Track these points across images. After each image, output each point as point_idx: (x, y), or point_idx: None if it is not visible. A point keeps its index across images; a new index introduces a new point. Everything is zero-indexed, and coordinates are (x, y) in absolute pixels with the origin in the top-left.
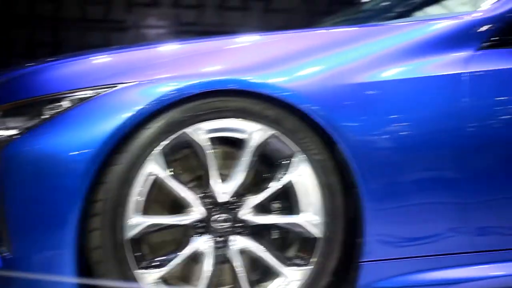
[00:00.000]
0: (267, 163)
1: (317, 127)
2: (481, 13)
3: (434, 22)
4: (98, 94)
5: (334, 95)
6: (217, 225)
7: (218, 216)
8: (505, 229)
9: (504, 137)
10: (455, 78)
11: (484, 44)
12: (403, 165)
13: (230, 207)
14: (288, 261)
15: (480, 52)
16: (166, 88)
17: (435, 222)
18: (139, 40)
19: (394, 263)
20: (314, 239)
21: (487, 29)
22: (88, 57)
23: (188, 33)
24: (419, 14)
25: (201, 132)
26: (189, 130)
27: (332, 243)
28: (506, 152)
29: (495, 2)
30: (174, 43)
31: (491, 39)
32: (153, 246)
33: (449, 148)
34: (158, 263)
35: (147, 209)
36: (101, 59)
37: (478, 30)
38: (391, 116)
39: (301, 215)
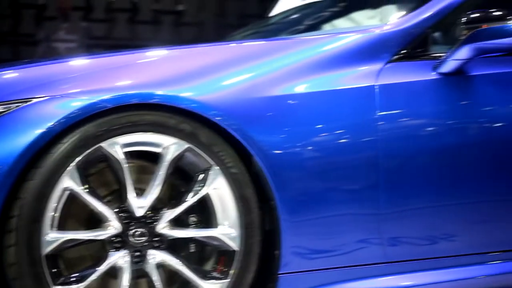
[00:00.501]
0: (184, 176)
1: (233, 140)
2: (391, 27)
3: (346, 35)
4: (9, 109)
5: (249, 108)
6: (134, 240)
7: (134, 230)
8: (416, 240)
9: (414, 149)
10: (367, 90)
11: (394, 57)
12: (318, 177)
13: (146, 221)
14: (206, 275)
15: (390, 65)
16: (79, 103)
17: (349, 234)
18: (49, 54)
19: (310, 275)
20: (232, 252)
21: (396, 42)
22: None
23: (98, 47)
24: (327, 28)
25: (117, 146)
26: (104, 144)
27: (249, 255)
28: (416, 163)
29: (403, 16)
30: (86, 57)
31: (401, 52)
32: (70, 262)
33: (362, 160)
34: (75, 279)
35: (64, 224)
36: (12, 74)
37: (388, 43)
38: (306, 129)
39: (218, 228)
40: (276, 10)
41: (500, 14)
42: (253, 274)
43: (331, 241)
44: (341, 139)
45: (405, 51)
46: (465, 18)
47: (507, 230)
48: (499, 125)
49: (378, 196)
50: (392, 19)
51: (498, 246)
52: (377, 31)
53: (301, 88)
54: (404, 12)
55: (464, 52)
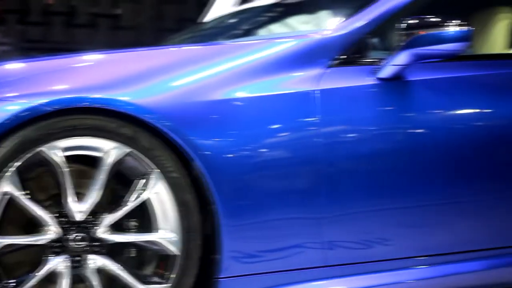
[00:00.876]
0: (124, 181)
1: (173, 145)
2: (331, 32)
3: (287, 40)
4: None
5: (189, 112)
6: (73, 244)
7: (74, 235)
8: (355, 243)
9: (354, 153)
10: (307, 95)
11: (334, 62)
12: (258, 181)
13: (86, 226)
14: (146, 279)
15: (330, 70)
16: (17, 107)
17: (289, 238)
18: None
19: (250, 279)
20: (172, 256)
21: (336, 48)
22: None
23: (35, 50)
24: (262, 33)
25: (57, 151)
26: (44, 149)
27: (189, 260)
28: (356, 167)
29: (343, 21)
30: (24, 61)
31: (341, 57)
32: (9, 267)
33: (302, 165)
34: (14, 284)
35: (2, 229)
36: None
37: (328, 49)
38: (247, 133)
39: (158, 232)
40: (210, 15)
41: (437, 21)
42: (193, 279)
43: (271, 245)
44: (281, 144)
45: (345, 56)
46: (404, 24)
47: (439, 234)
48: (436, 130)
49: (319, 200)
50: (331, 24)
51: (431, 250)
52: (317, 36)
53: (242, 92)
54: (337, 18)
55: (402, 58)
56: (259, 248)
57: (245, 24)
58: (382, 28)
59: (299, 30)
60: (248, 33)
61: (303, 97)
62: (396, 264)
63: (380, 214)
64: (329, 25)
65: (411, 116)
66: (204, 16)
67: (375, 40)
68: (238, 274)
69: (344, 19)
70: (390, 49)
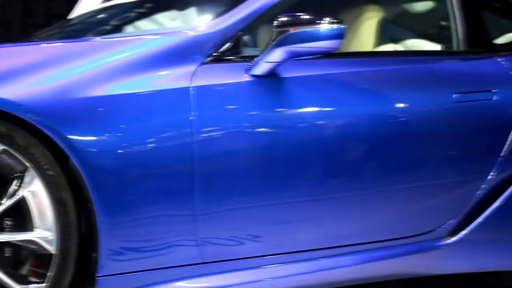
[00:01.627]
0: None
1: (50, 142)
2: (205, 29)
3: (161, 37)
4: None
5: (65, 109)
6: None
7: None
8: (231, 240)
9: (228, 150)
10: (182, 92)
11: (208, 58)
12: (134, 179)
13: None
14: (22, 279)
15: (204, 67)
16: None
17: (166, 235)
18: None
19: (128, 277)
20: (49, 256)
21: (210, 44)
22: None
23: None
24: (131, 29)
25: None
26: None
27: (66, 259)
28: (230, 165)
29: (217, 18)
30: None
31: (215, 53)
32: None
33: (177, 162)
34: None
35: None
36: None
37: (202, 45)
38: (122, 131)
39: (34, 231)
40: (78, 11)
41: (311, 18)
42: (71, 278)
43: (149, 242)
44: (156, 141)
45: (219, 53)
46: (277, 22)
47: (309, 231)
48: (309, 126)
49: (194, 197)
50: (204, 21)
51: (302, 246)
52: (191, 33)
53: (118, 89)
54: (205, 15)
55: (275, 55)
56: (136, 245)
57: (114, 20)
58: (256, 25)
59: (167, 26)
60: (117, 29)
61: (178, 94)
62: (269, 261)
63: (253, 211)
64: (199, 21)
65: (284, 113)
66: (74, 12)
67: (249, 37)
68: (115, 273)
69: (215, 16)
70: (264, 46)
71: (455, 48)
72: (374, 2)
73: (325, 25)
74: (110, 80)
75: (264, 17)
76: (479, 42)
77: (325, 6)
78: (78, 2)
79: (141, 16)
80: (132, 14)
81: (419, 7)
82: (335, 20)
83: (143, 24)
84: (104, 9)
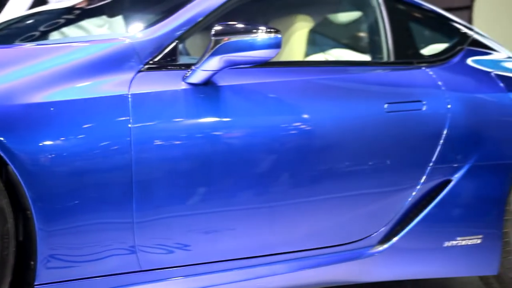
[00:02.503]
0: None
1: None
2: (142, 36)
3: (99, 44)
4: None
5: (2, 116)
6: None
7: None
8: (165, 248)
9: (166, 158)
10: (120, 99)
11: (145, 66)
12: (73, 186)
13: None
14: None
15: (141, 74)
16: None
17: (104, 242)
18: None
19: (67, 285)
20: None
21: (147, 52)
22: None
23: None
24: (59, 36)
25: None
26: None
27: (4, 267)
28: (168, 173)
29: (154, 25)
30: None
31: (152, 61)
32: None
33: (116, 170)
34: None
35: None
36: None
37: (139, 52)
38: (60, 138)
39: None
40: (3, 17)
41: (248, 27)
42: (8, 286)
43: (86, 250)
44: (95, 148)
45: (156, 60)
46: (214, 30)
47: (248, 238)
48: (246, 134)
49: (132, 205)
50: (130, 28)
51: (242, 253)
52: (128, 40)
53: (56, 96)
54: (133, 22)
55: (212, 64)
56: (74, 253)
57: (42, 26)
58: (192, 33)
59: (94, 33)
60: (45, 35)
61: (117, 101)
62: (205, 268)
63: (190, 220)
64: (129, 29)
65: (219, 122)
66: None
67: (187, 45)
68: (54, 281)
69: (142, 23)
70: (201, 55)
71: (385, 58)
72: (305, 12)
73: (262, 35)
74: (49, 87)
75: (200, 25)
76: (408, 53)
77: (258, 14)
78: (3, 9)
79: (68, 23)
80: (60, 21)
81: (349, 17)
82: (272, 30)
83: (70, 31)
84: (31, 15)
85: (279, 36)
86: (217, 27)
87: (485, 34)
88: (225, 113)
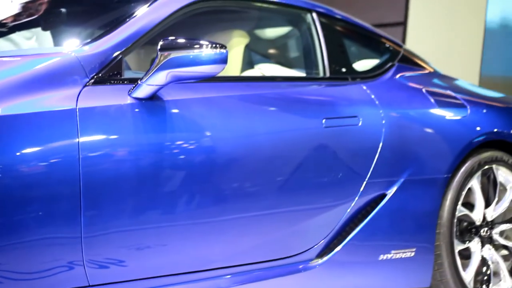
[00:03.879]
0: None
1: None
2: (88, 49)
3: (44, 57)
4: None
5: None
6: None
7: None
8: (114, 262)
9: (113, 173)
10: (68, 113)
11: (91, 80)
12: (20, 201)
13: None
14: None
15: (88, 88)
16: None
17: (50, 257)
18: None
19: None
20: None
21: (93, 66)
22: None
23: None
24: None
25: None
26: None
27: None
28: (115, 187)
29: (99, 39)
30: None
31: (96, 76)
32: None
33: (64, 184)
34: None
35: None
36: None
37: (86, 66)
38: (10, 152)
39: None
40: None
41: (193, 42)
42: None
43: (34, 265)
44: (42, 163)
45: (101, 74)
46: (160, 45)
47: (190, 253)
48: (190, 149)
49: (79, 219)
50: (83, 42)
51: (184, 268)
52: (74, 54)
53: (3, 110)
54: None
55: (158, 78)
56: (23, 268)
57: None
58: (135, 47)
59: (23, 46)
60: None
61: (64, 115)
62: (150, 283)
63: (143, 233)
64: (63, 41)
65: (164, 136)
66: None
67: (133, 59)
68: None
69: (72, 35)
70: (147, 69)
71: (321, 74)
72: (242, 28)
73: (208, 50)
74: None
75: (143, 39)
76: (342, 69)
77: (197, 30)
78: None
79: None
80: None
81: (285, 34)
82: (218, 45)
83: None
84: None
85: (225, 51)
86: (164, 42)
87: (412, 51)
88: (170, 128)
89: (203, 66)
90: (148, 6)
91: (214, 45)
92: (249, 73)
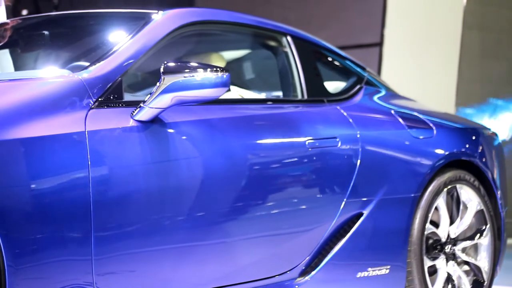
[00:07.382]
0: None
1: None
2: (93, 72)
3: (51, 80)
4: None
5: None
6: None
7: None
8: (128, 283)
9: (122, 195)
10: (77, 136)
11: (95, 103)
12: (37, 224)
13: None
14: None
15: (94, 111)
16: None
17: (64, 278)
18: None
19: None
20: None
21: (98, 88)
22: None
23: None
24: None
25: None
26: None
27: None
28: (125, 209)
29: (101, 62)
30: None
31: (100, 99)
32: None
33: (75, 207)
34: None
35: None
36: None
37: (91, 89)
38: (23, 175)
39: None
40: None
41: (196, 66)
42: None
43: (52, 285)
44: (55, 186)
45: (105, 97)
46: (163, 68)
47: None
48: (195, 170)
49: (89, 241)
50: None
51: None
52: (78, 77)
53: (11, 134)
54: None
55: (162, 101)
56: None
57: None
58: (132, 70)
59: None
60: None
61: (73, 139)
62: None
63: (154, 255)
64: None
65: (167, 158)
66: None
67: (136, 82)
68: None
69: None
70: (150, 92)
71: (299, 96)
72: (221, 49)
73: (211, 74)
74: (5, 125)
75: (139, 62)
76: (318, 91)
77: (179, 53)
78: None
79: None
80: None
81: (264, 57)
82: (220, 68)
83: None
84: None
85: (227, 75)
86: (167, 65)
87: (374, 72)
88: (172, 150)
89: (206, 89)
90: (141, 28)
91: (216, 69)
92: (227, 95)
